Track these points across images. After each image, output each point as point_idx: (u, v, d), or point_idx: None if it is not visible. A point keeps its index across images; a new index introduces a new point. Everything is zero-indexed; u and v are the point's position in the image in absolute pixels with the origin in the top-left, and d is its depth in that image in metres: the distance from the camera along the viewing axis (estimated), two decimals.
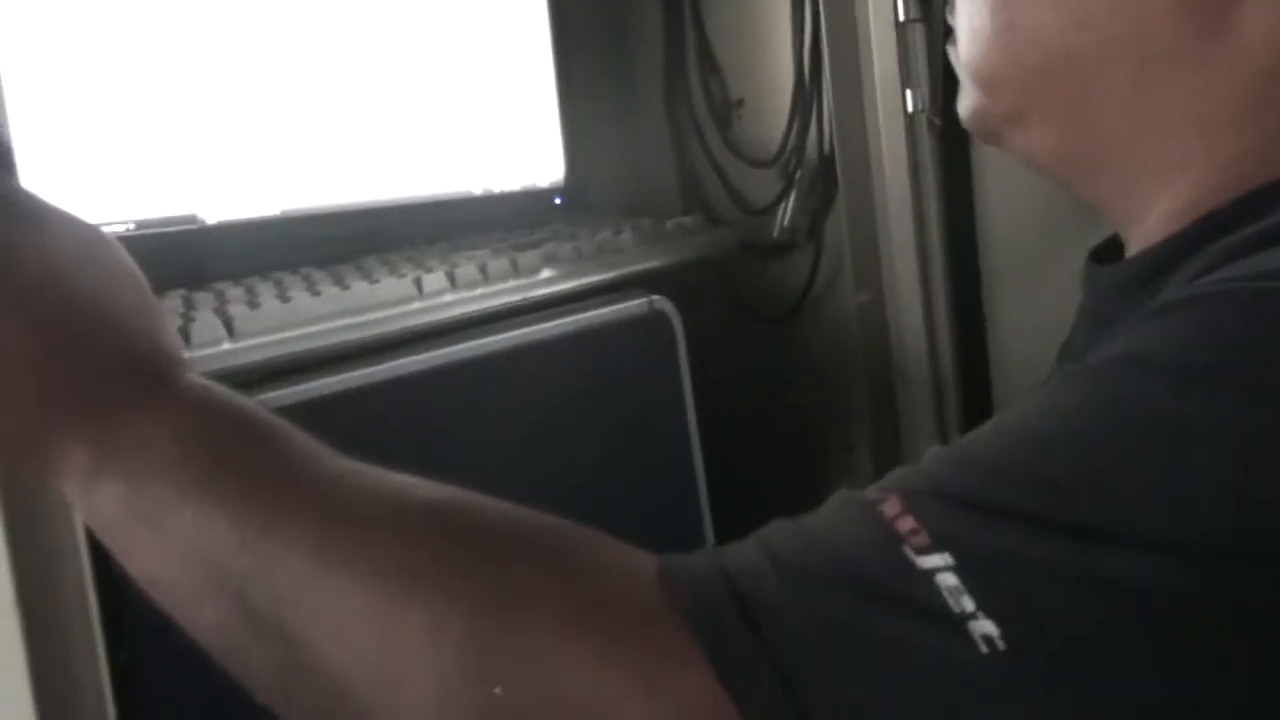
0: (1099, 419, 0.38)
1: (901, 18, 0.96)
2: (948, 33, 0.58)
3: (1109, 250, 0.57)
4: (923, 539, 0.37)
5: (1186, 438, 0.36)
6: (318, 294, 0.74)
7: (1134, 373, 0.38)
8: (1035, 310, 0.97)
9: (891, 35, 0.97)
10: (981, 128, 0.56)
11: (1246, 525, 0.34)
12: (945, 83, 0.94)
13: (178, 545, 0.42)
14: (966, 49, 0.55)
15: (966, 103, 0.56)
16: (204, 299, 0.71)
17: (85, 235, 0.47)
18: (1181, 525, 0.35)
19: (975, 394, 1.02)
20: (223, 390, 0.46)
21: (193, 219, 0.78)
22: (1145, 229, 0.52)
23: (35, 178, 0.69)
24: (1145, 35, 0.48)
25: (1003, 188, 0.98)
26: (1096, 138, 0.52)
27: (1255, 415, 0.35)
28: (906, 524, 0.38)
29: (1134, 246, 0.53)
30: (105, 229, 0.69)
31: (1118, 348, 0.39)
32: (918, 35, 0.96)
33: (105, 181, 0.73)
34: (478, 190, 0.98)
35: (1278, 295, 0.37)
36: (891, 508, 0.38)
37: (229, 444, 0.43)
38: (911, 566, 0.37)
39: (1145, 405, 0.37)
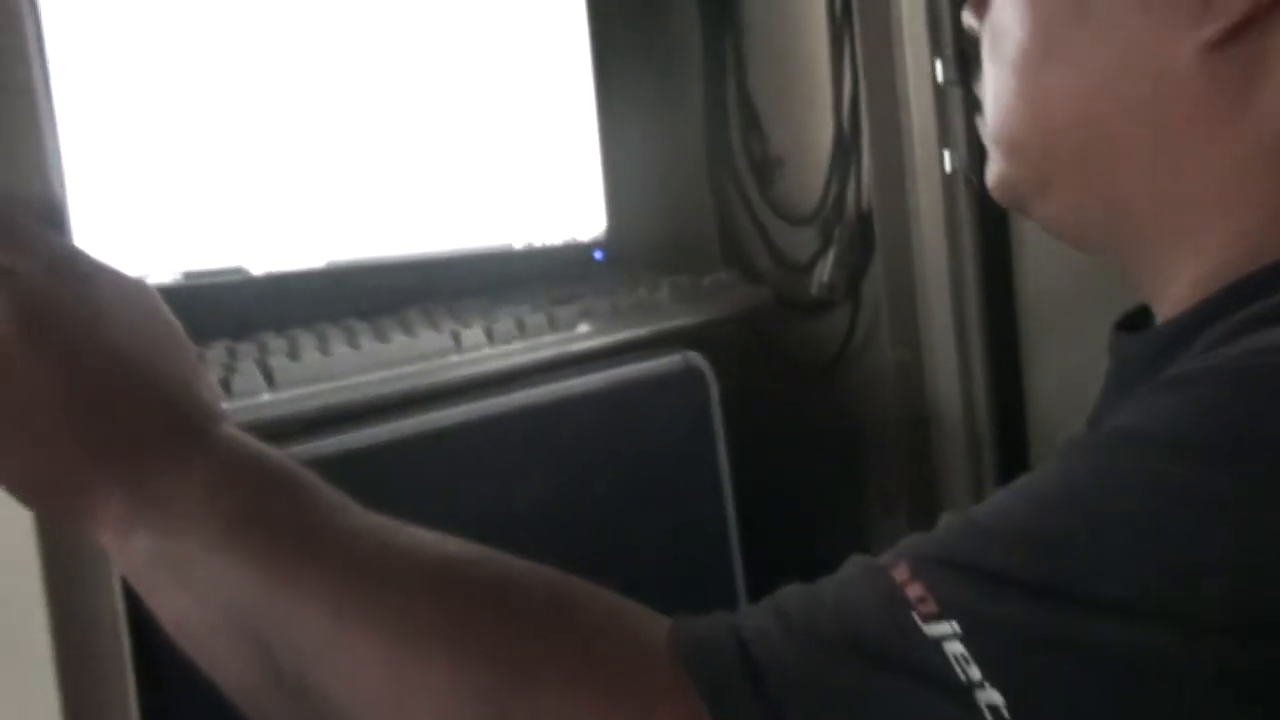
0: (1102, 491, 0.38)
1: (940, 80, 0.97)
2: (980, 105, 0.59)
3: (1138, 317, 0.57)
4: (931, 606, 0.37)
5: (1185, 512, 0.36)
6: (357, 346, 0.75)
7: (1136, 446, 0.38)
8: (1072, 369, 0.97)
9: (930, 97, 0.98)
10: (1007, 196, 0.57)
11: (1246, 597, 0.34)
12: (982, 144, 0.94)
13: (204, 595, 0.43)
14: (992, 116, 0.55)
15: (993, 170, 0.57)
16: (247, 349, 0.73)
17: (127, 289, 0.48)
18: (1184, 597, 0.35)
19: (1012, 452, 1.02)
20: (254, 444, 0.48)
21: (240, 270, 0.80)
22: (1171, 297, 0.51)
23: (89, 229, 0.71)
24: (1166, 101, 0.48)
25: (1040, 247, 0.98)
26: (1119, 205, 0.51)
27: (1252, 490, 0.35)
28: (915, 590, 0.38)
29: (1161, 314, 0.53)
30: (153, 280, 0.72)
31: (1124, 419, 0.40)
32: (956, 97, 0.97)
33: (156, 233, 0.76)
34: (519, 244, 1.00)
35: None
36: (901, 574, 0.39)
37: (256, 499, 0.45)
38: (919, 633, 0.37)
39: (1145, 478, 0.37)
